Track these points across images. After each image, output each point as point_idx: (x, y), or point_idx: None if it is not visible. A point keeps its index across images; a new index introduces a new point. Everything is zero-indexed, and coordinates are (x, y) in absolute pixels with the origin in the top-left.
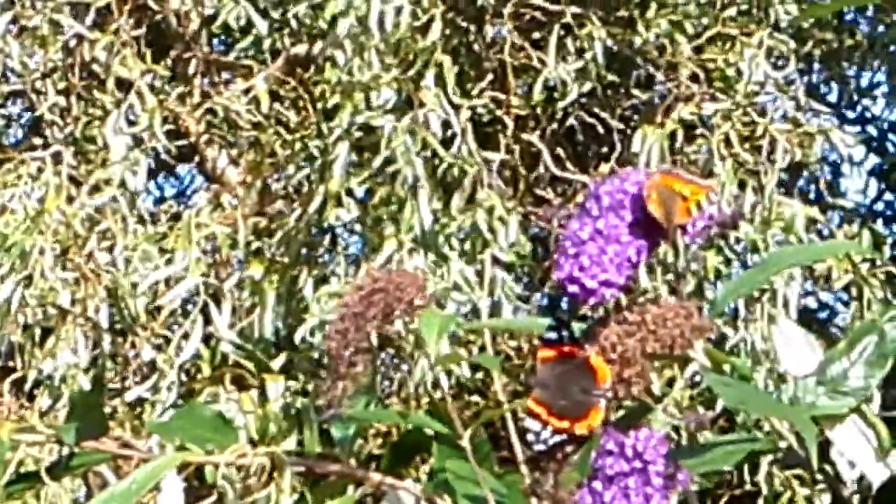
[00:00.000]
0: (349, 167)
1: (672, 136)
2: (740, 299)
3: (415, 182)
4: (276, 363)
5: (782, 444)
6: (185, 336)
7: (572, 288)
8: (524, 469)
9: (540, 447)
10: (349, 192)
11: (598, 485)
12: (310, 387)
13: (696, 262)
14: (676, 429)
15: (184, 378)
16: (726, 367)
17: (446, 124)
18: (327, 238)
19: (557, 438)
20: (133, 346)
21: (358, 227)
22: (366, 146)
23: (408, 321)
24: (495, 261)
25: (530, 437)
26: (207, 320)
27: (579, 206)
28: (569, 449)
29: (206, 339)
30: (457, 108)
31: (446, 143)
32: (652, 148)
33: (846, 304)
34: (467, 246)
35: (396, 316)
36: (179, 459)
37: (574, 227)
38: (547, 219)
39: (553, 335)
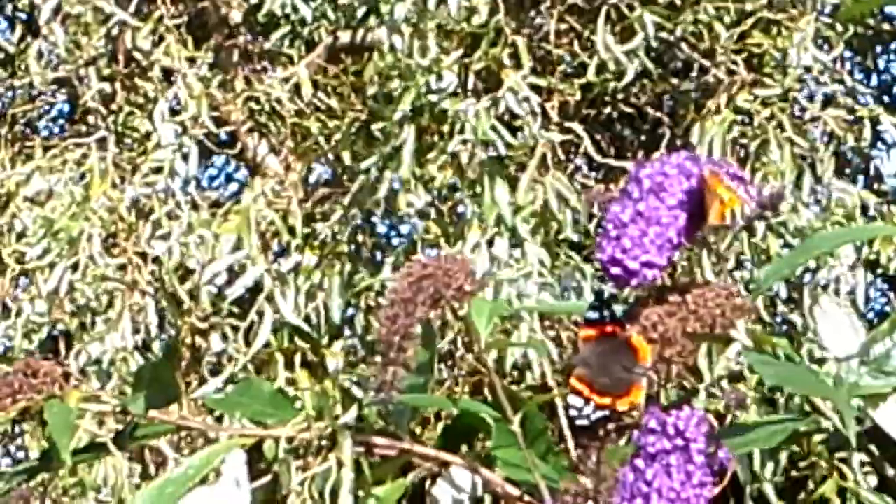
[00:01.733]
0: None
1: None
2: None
3: (492, 165)
4: (337, 346)
5: (826, 425)
6: (251, 325)
7: (615, 270)
8: (573, 453)
9: (582, 422)
10: (417, 178)
11: (640, 462)
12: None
13: (738, 242)
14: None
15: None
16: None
17: (530, 111)
18: (387, 223)
19: (599, 414)
20: (180, 333)
21: (431, 214)
22: (424, 130)
23: (458, 307)
24: (560, 242)
25: (573, 412)
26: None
27: (621, 189)
28: (611, 426)
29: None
30: (534, 88)
31: (510, 127)
32: (713, 140)
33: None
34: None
35: (445, 302)
36: (238, 442)
37: (615, 210)
38: (590, 202)
39: (595, 315)
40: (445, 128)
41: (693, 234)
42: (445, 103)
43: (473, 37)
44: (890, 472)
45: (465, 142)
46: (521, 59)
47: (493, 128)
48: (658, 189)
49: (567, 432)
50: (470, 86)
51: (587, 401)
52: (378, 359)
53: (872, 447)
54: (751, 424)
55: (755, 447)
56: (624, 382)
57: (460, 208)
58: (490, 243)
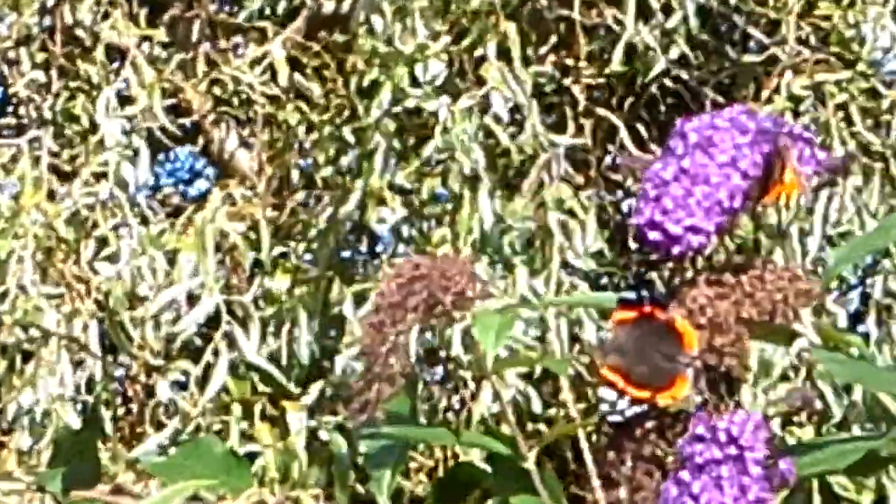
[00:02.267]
0: (392, 156)
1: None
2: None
3: (474, 175)
4: (311, 392)
5: None
6: (207, 367)
7: (653, 234)
8: (599, 495)
9: (615, 419)
10: (392, 188)
11: (685, 475)
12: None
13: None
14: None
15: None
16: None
17: (511, 109)
18: (364, 242)
19: (635, 410)
20: (128, 376)
21: (404, 230)
22: (409, 130)
23: (459, 318)
24: (567, 268)
25: (604, 407)
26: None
27: (664, 147)
28: (649, 425)
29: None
30: (522, 84)
31: (507, 126)
32: None
33: None
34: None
35: (443, 309)
36: (183, 494)
37: (656, 168)
38: (628, 170)
39: (632, 294)
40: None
41: (753, 202)
42: (431, 104)
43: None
44: None
45: (441, 149)
46: (512, 51)
47: (485, 128)
48: (707, 144)
49: (592, 471)
50: (462, 78)
51: (621, 394)
52: (360, 374)
53: None
54: (820, 441)
55: (822, 469)
56: (665, 373)
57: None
58: None
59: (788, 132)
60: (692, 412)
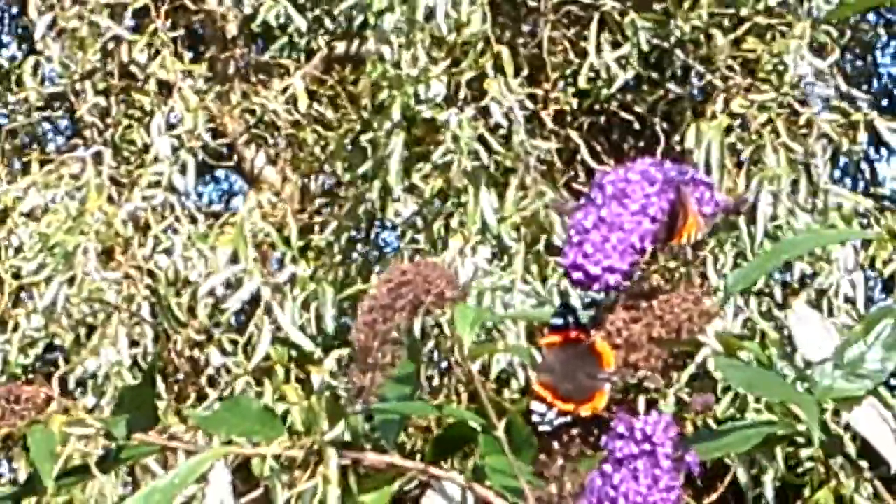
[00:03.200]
0: (404, 161)
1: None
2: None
3: (477, 174)
4: (330, 359)
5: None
6: (250, 338)
7: (577, 275)
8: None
9: (545, 428)
10: (407, 189)
11: (607, 467)
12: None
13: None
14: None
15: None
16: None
17: (507, 117)
18: (375, 232)
19: (562, 420)
20: (176, 347)
21: (417, 222)
22: (417, 139)
23: (442, 314)
24: (551, 250)
25: (535, 418)
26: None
27: (585, 196)
28: (574, 432)
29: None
30: (515, 95)
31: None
32: (711, 144)
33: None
34: (525, 236)
35: (425, 308)
36: (223, 453)
37: (579, 217)
38: (558, 211)
39: (559, 321)
40: (437, 137)
41: (664, 242)
42: (432, 113)
43: (463, 47)
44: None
45: (449, 151)
46: (506, 69)
47: (482, 137)
48: (621, 195)
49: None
50: (460, 96)
51: (550, 406)
52: (355, 365)
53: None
54: (725, 429)
55: (729, 451)
56: (587, 388)
57: (448, 218)
58: (474, 251)
59: (691, 179)
60: (610, 419)
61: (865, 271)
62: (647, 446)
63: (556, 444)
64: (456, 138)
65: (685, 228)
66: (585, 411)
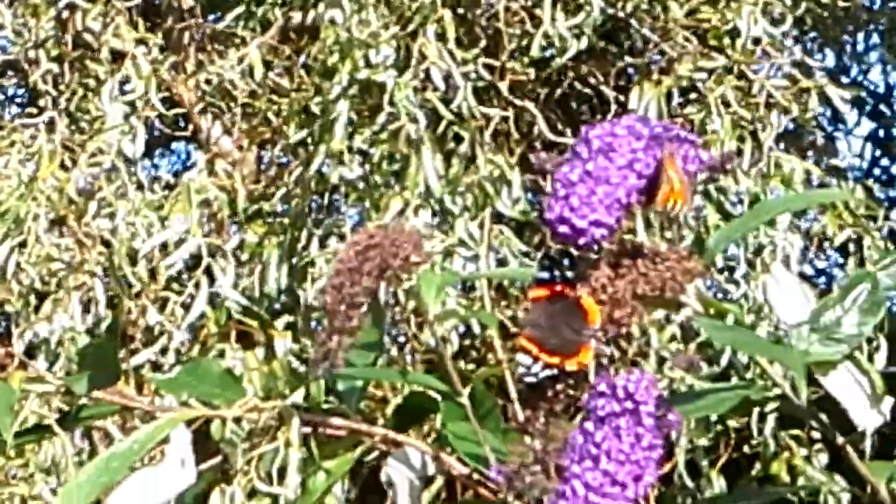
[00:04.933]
0: (350, 126)
1: (668, 96)
2: (742, 255)
3: (418, 138)
4: (280, 323)
5: (776, 393)
6: (190, 298)
7: (562, 228)
8: (520, 416)
9: (530, 380)
10: (351, 151)
11: (589, 425)
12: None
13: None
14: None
15: (188, 340)
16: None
17: (446, 81)
18: (327, 197)
19: (547, 373)
20: (130, 311)
21: (361, 186)
22: (365, 105)
23: (406, 278)
24: (499, 218)
25: (521, 370)
26: (210, 282)
27: (571, 150)
28: (559, 386)
29: (210, 300)
30: (455, 60)
31: (445, 101)
32: (649, 105)
33: (843, 266)
34: (470, 202)
35: (392, 272)
36: (184, 417)
37: (564, 170)
38: (540, 166)
39: (545, 275)
40: (385, 99)
41: (646, 200)
42: (381, 76)
43: (416, 13)
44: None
45: (391, 115)
46: (447, 33)
47: (426, 100)
48: (607, 149)
49: (518, 408)
50: (409, 62)
51: (535, 359)
52: (323, 328)
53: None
54: (702, 391)
55: (705, 413)
56: (573, 343)
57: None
58: (416, 213)
59: (675, 136)
60: (594, 374)
61: (816, 239)
62: (629, 404)
63: (540, 400)
64: (392, 101)
65: (673, 194)
66: (571, 366)
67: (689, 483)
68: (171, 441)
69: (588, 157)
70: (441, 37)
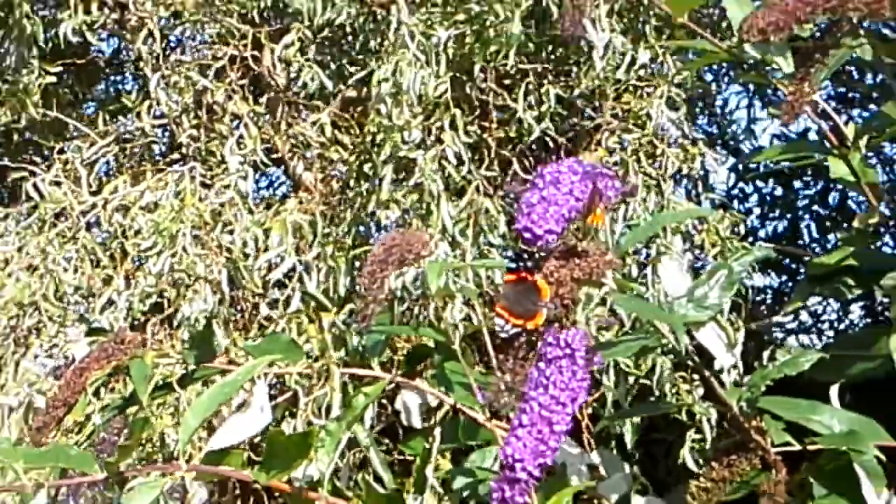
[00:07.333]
0: (392, 183)
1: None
2: (646, 250)
3: (438, 194)
4: (345, 311)
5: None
6: (288, 297)
7: (527, 234)
8: (495, 362)
9: (503, 336)
10: (393, 200)
11: (542, 365)
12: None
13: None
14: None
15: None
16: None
17: (458, 155)
18: (374, 229)
19: (514, 331)
20: (245, 303)
21: (399, 224)
22: (402, 168)
23: (417, 266)
24: (490, 245)
25: (496, 328)
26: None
27: (531, 182)
28: (522, 339)
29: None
30: (466, 144)
31: (456, 166)
32: None
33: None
34: (471, 234)
35: (408, 262)
36: (266, 361)
37: (527, 196)
38: (512, 190)
39: (514, 265)
40: (413, 167)
41: (584, 215)
42: (413, 154)
43: (434, 107)
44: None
45: (420, 177)
46: (458, 125)
47: (442, 167)
48: (556, 181)
49: (490, 352)
50: (428, 141)
51: (506, 322)
52: (361, 299)
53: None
54: (615, 340)
55: (617, 356)
56: (531, 311)
57: (419, 222)
58: (436, 246)
59: (600, 172)
60: (545, 330)
61: (695, 251)
62: (568, 351)
63: (509, 349)
64: (421, 170)
65: (595, 218)
66: (531, 325)
67: (612, 409)
68: (253, 394)
69: (543, 186)
70: (452, 124)
